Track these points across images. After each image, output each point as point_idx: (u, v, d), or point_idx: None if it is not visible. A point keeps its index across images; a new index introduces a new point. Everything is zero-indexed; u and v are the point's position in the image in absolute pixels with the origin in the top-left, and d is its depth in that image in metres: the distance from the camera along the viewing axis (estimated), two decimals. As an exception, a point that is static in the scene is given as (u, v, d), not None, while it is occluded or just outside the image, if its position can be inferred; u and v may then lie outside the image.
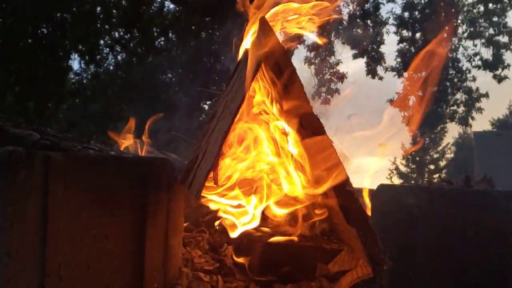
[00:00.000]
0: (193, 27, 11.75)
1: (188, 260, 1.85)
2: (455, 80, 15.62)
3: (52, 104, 10.88)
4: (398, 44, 15.37)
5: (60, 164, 1.51)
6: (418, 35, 15.08)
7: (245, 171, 1.99)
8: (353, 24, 14.05)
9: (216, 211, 1.94)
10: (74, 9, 10.64)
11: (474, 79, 15.66)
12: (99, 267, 1.57)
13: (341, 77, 13.92)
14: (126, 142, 2.60)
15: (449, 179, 3.15)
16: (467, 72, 15.60)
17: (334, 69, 14.21)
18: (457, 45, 15.43)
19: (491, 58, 14.87)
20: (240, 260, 1.86)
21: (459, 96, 15.83)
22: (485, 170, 5.12)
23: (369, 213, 1.88)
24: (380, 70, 14.88)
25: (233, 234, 1.86)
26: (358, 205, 1.76)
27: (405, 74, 14.94)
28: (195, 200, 1.87)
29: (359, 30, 14.15)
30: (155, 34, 12.21)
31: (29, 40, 10.35)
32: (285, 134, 1.87)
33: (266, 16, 1.88)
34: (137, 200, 1.66)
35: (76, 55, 11.35)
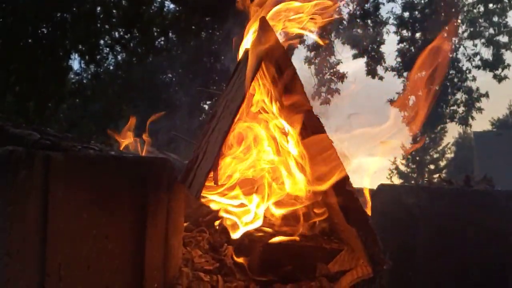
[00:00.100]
0: (193, 27, 11.75)
1: (188, 260, 1.85)
2: (455, 80, 15.62)
3: (52, 104, 10.88)
4: (398, 44, 15.38)
5: (60, 164, 1.51)
6: (418, 35, 15.08)
7: (245, 171, 1.99)
8: (353, 24, 14.05)
9: (217, 211, 1.94)
10: (74, 9, 10.64)
11: (474, 79, 15.67)
12: (99, 267, 1.57)
13: (341, 77, 13.92)
14: (126, 140, 2.60)
15: (449, 179, 3.15)
16: (467, 72, 15.60)
17: (334, 69, 14.21)
18: (457, 45, 15.43)
19: (491, 58, 14.87)
20: (240, 260, 1.85)
21: (459, 96, 15.84)
22: (485, 170, 5.11)
23: (369, 213, 1.88)
24: (380, 70, 14.90)
25: (235, 235, 1.85)
26: (358, 205, 1.76)
27: (405, 74, 14.97)
28: (195, 200, 1.87)
29: (359, 30, 14.15)
30: (155, 34, 12.21)
31: (29, 40, 10.35)
32: (285, 133, 1.87)
33: (268, 15, 1.88)
34: (137, 200, 1.66)
35: (76, 55, 11.36)
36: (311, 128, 1.72)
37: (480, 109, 15.65)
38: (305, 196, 1.91)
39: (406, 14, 15.08)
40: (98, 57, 11.68)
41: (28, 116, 9.95)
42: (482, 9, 14.91)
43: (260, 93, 1.90)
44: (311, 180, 1.79)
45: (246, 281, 1.82)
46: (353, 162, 1.89)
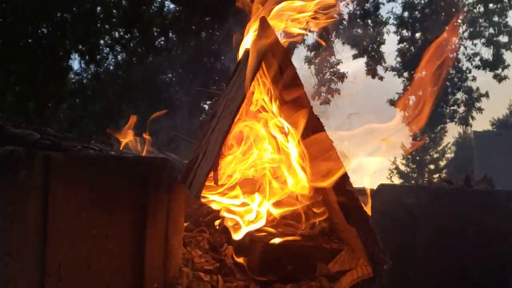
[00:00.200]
0: (193, 27, 11.75)
1: (188, 259, 1.85)
2: (455, 80, 15.61)
3: (52, 104, 10.88)
4: (398, 44, 15.38)
5: (60, 164, 1.51)
6: (418, 35, 15.07)
7: (246, 170, 1.99)
8: (353, 24, 14.05)
9: (217, 211, 1.94)
10: (74, 9, 10.64)
11: (474, 79, 15.65)
12: (99, 267, 1.57)
13: (341, 76, 13.91)
14: (127, 139, 2.59)
15: (449, 179, 3.14)
16: (467, 72, 15.59)
17: (334, 69, 14.20)
18: (457, 45, 15.41)
19: (491, 58, 14.86)
20: (240, 260, 1.85)
21: (459, 96, 15.82)
22: (485, 170, 5.12)
23: (369, 212, 1.88)
24: (380, 70, 14.89)
25: (237, 236, 1.84)
26: (358, 205, 1.76)
27: (406, 74, 14.96)
28: (195, 200, 1.87)
29: (359, 30, 14.15)
30: (155, 34, 12.20)
31: (29, 40, 10.35)
32: (284, 133, 1.86)
33: (270, 14, 1.87)
34: (137, 200, 1.66)
35: (76, 55, 11.35)
36: (311, 127, 1.72)
37: (480, 109, 15.64)
38: (305, 196, 1.91)
39: (406, 14, 15.08)
40: (98, 57, 11.67)
41: (28, 116, 9.95)
42: (482, 9, 14.91)
43: (260, 92, 1.90)
44: (313, 178, 1.78)
45: (246, 281, 1.82)
46: (353, 162, 1.89)
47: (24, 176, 1.44)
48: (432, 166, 32.06)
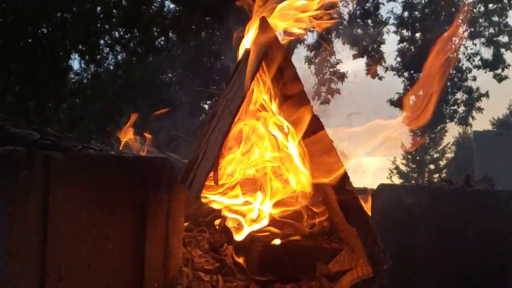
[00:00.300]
0: (193, 27, 11.74)
1: (188, 259, 1.85)
2: (455, 79, 15.60)
3: (52, 104, 10.87)
4: (398, 44, 15.37)
5: (60, 164, 1.51)
6: (418, 35, 15.07)
7: (246, 170, 1.99)
8: (353, 24, 14.04)
9: (218, 210, 1.93)
10: (74, 9, 10.63)
11: (474, 78, 15.64)
12: (99, 267, 1.58)
13: (341, 76, 13.91)
14: (127, 136, 2.59)
15: (449, 178, 3.15)
16: (467, 71, 15.58)
17: (334, 69, 14.20)
18: (457, 45, 15.39)
19: (491, 58, 14.85)
20: (240, 260, 1.85)
21: (459, 95, 15.81)
22: (485, 170, 5.11)
23: (369, 212, 1.88)
24: (380, 70, 14.88)
25: (240, 236, 1.83)
26: (358, 205, 1.76)
27: (406, 74, 14.95)
28: (195, 200, 1.86)
29: (359, 30, 14.14)
30: (155, 34, 12.19)
31: (29, 40, 10.34)
32: (284, 133, 1.86)
33: (272, 14, 1.87)
34: (137, 200, 1.66)
35: (76, 55, 11.34)
36: (311, 127, 1.72)
37: (480, 109, 15.63)
38: (305, 196, 1.91)
39: (406, 14, 15.07)
40: (98, 57, 11.66)
41: (28, 116, 9.94)
42: (482, 9, 14.90)
43: (259, 91, 1.90)
44: (314, 175, 1.78)
45: (246, 281, 1.82)
46: (353, 161, 1.89)
47: (24, 176, 1.44)
48: (432, 166, 32.06)
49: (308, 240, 1.93)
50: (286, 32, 1.98)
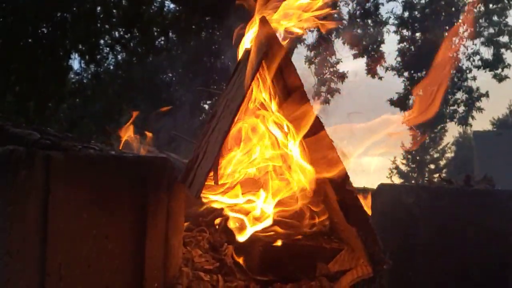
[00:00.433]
0: (193, 27, 11.74)
1: (188, 259, 1.85)
2: (455, 79, 15.59)
3: (52, 104, 10.87)
4: (398, 43, 15.37)
5: (61, 163, 1.51)
6: (418, 34, 15.07)
7: (247, 169, 1.98)
8: (353, 24, 14.04)
9: (218, 210, 1.93)
10: (74, 9, 10.63)
11: (474, 78, 15.64)
12: (99, 266, 1.58)
13: (342, 76, 13.91)
14: (127, 134, 2.59)
15: (449, 178, 3.15)
16: (467, 71, 15.58)
17: (334, 68, 14.20)
18: (457, 44, 15.38)
19: (491, 58, 14.85)
20: (241, 259, 1.85)
21: (459, 95, 15.80)
22: (485, 170, 5.11)
23: (369, 212, 1.88)
24: (380, 69, 14.87)
25: (242, 237, 1.83)
26: (358, 204, 1.76)
27: (406, 73, 14.94)
28: (195, 200, 1.86)
29: (359, 30, 14.14)
30: (155, 34, 12.19)
31: (29, 40, 10.34)
32: (284, 132, 1.86)
33: (276, 13, 1.87)
34: (137, 200, 1.66)
35: (76, 55, 11.34)
36: (311, 127, 1.72)
37: (480, 109, 15.62)
38: (305, 196, 1.90)
39: (406, 14, 15.07)
40: (98, 57, 11.66)
41: (28, 116, 9.94)
42: (482, 8, 14.90)
43: (259, 90, 1.90)
44: (316, 171, 1.77)
45: (246, 281, 1.82)
46: (353, 161, 1.89)
47: (24, 176, 1.44)
48: (432, 166, 32.05)
49: (308, 240, 1.93)
50: (287, 32, 1.98)
